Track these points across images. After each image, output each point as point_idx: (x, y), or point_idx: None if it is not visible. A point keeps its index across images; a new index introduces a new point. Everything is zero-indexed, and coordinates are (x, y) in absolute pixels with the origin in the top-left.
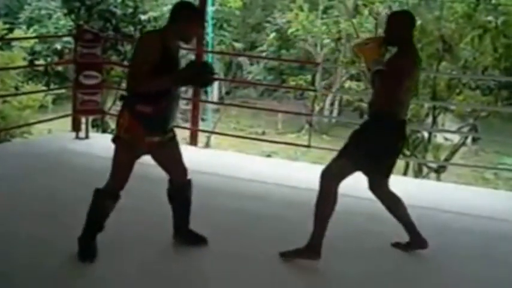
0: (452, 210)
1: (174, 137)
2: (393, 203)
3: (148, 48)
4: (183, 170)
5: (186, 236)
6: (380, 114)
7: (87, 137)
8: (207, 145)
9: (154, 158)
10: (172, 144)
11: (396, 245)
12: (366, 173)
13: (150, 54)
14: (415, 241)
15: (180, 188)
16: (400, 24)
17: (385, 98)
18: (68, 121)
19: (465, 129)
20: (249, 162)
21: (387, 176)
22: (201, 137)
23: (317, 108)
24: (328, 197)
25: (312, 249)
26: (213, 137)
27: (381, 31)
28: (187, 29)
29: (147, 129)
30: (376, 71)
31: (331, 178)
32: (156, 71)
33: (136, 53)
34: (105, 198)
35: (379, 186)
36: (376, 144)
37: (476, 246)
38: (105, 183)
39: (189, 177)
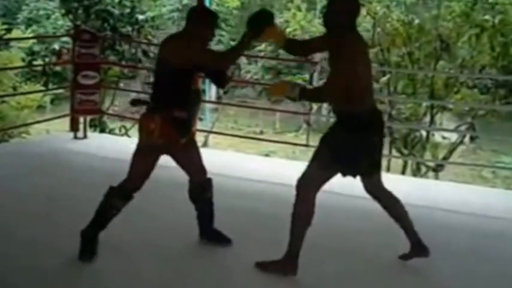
0: (449, 208)
1: (194, 136)
2: (390, 203)
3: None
4: (202, 169)
5: (210, 235)
6: (340, 113)
7: (85, 136)
8: (205, 145)
9: (176, 158)
10: (193, 144)
11: (402, 256)
12: (348, 174)
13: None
14: (415, 248)
15: (200, 187)
16: (337, 10)
17: (344, 95)
18: (66, 121)
19: (463, 128)
20: (248, 161)
21: (375, 172)
22: (199, 137)
23: (315, 107)
24: (306, 208)
25: (289, 263)
26: (211, 136)
27: (379, 30)
28: (198, 32)
29: (182, 133)
30: (301, 93)
31: (307, 187)
32: (182, 75)
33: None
34: (117, 197)
35: (372, 186)
36: (345, 144)
37: (473, 244)
38: (121, 181)
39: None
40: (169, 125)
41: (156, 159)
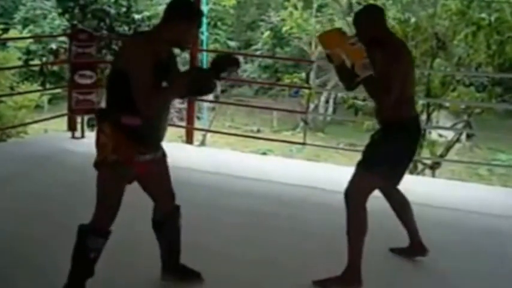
0: (445, 206)
1: (164, 155)
2: (400, 204)
3: (145, 60)
4: (172, 194)
5: (176, 272)
6: (388, 120)
7: (83, 136)
8: (202, 143)
9: (141, 179)
10: (163, 164)
11: (394, 250)
12: (391, 182)
13: (148, 66)
14: (415, 248)
15: (168, 215)
16: (370, 23)
17: (386, 102)
18: (64, 121)
19: (459, 126)
20: (245, 159)
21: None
22: (197, 135)
23: (312, 106)
24: (359, 217)
25: (351, 277)
26: (209, 135)
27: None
28: (185, 30)
29: (139, 146)
30: (366, 77)
31: (357, 196)
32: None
33: (133, 67)
34: (92, 237)
35: (391, 191)
36: (396, 152)
37: (469, 241)
38: (91, 219)
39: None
40: (120, 136)
41: (121, 182)
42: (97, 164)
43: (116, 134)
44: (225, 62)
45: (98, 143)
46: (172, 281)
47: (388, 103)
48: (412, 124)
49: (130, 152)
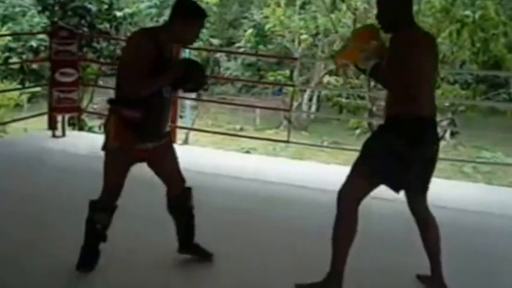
0: (429, 203)
1: (170, 142)
2: (426, 229)
3: (142, 50)
4: (181, 178)
5: (191, 250)
6: (392, 115)
7: (63, 135)
8: (185, 142)
9: (149, 165)
10: (169, 150)
11: (419, 277)
12: (391, 187)
13: (145, 57)
14: (434, 280)
15: (179, 197)
16: (392, 6)
17: (396, 95)
18: (44, 119)
19: (444, 124)
20: (228, 158)
21: (421, 190)
22: (180, 134)
23: (295, 104)
24: (347, 221)
25: (333, 281)
26: (192, 133)
27: (360, 26)
28: (185, 29)
29: (138, 136)
30: (373, 69)
31: (348, 199)
32: (149, 75)
33: (128, 55)
34: (99, 211)
35: (415, 203)
36: (390, 153)
37: (454, 238)
38: (99, 195)
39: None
40: (121, 126)
41: (123, 165)
42: (104, 148)
43: (118, 124)
44: (194, 75)
45: (105, 129)
46: (186, 256)
47: (396, 96)
48: (418, 125)
49: (130, 140)
